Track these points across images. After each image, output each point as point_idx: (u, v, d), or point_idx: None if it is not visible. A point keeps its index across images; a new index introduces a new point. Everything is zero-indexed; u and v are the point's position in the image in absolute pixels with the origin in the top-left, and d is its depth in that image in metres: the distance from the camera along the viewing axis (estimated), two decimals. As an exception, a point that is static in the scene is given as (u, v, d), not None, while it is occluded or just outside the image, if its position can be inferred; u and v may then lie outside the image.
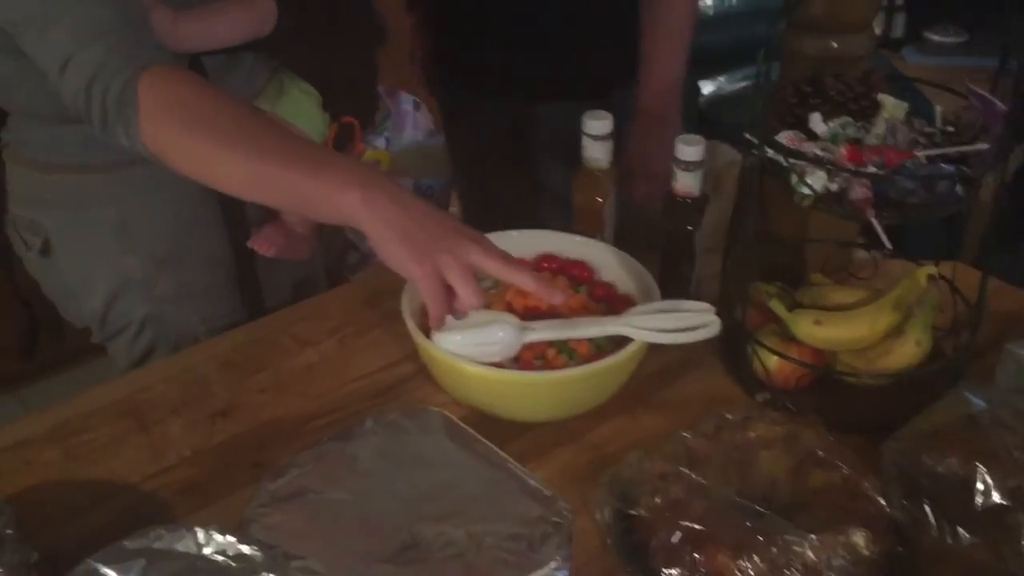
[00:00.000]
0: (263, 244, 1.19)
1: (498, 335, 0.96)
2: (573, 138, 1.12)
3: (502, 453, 0.88)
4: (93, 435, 0.97)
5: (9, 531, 0.76)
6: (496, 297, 1.05)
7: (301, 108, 1.18)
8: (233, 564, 0.74)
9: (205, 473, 0.94)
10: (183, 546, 0.75)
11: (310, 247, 1.26)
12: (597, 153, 1.12)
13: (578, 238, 1.12)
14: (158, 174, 0.98)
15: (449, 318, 0.97)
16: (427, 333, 0.97)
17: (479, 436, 0.90)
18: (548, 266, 1.10)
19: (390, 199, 0.85)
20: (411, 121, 2.57)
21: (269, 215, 1.21)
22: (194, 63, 1.08)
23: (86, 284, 1.18)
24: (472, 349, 0.94)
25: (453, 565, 0.77)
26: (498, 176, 1.65)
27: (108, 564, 0.73)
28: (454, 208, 2.11)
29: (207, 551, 0.75)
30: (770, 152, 0.94)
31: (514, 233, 1.12)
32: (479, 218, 1.66)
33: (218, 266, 1.21)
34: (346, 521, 0.81)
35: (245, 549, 0.75)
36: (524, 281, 0.88)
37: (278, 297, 1.27)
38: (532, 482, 0.85)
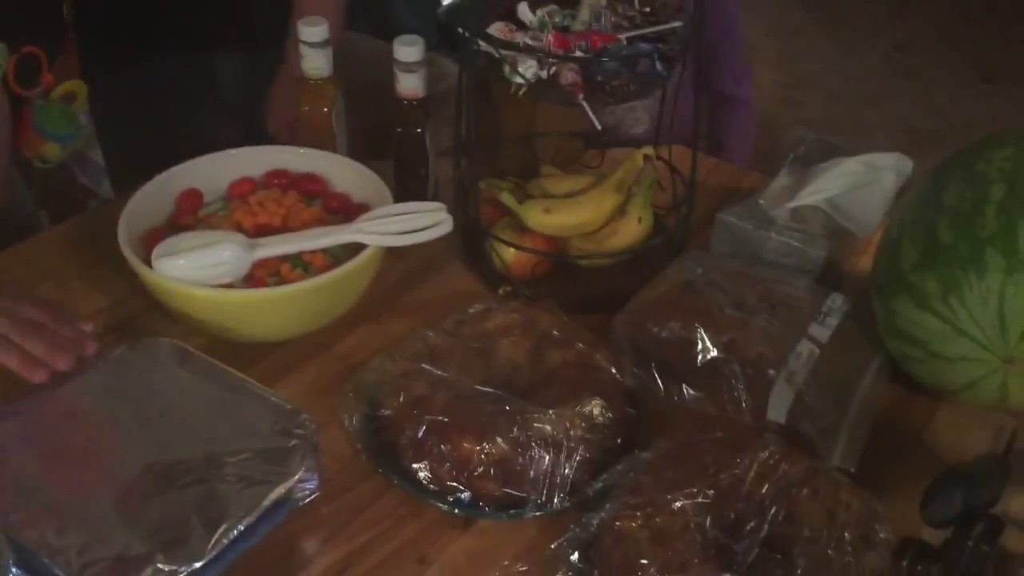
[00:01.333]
0: None
1: (224, 255, 0.92)
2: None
3: (238, 374, 0.85)
4: None
5: None
6: (223, 219, 1.01)
7: None
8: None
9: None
10: None
11: (3, 192, 1.15)
12: (317, 62, 1.08)
13: (306, 150, 1.09)
14: None
15: (170, 240, 0.93)
16: (149, 263, 0.91)
17: (213, 360, 0.86)
18: (278, 182, 1.06)
19: None
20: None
21: None
22: None
23: None
24: (199, 272, 0.90)
25: (193, 492, 0.75)
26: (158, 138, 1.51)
27: None
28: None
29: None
30: (482, 44, 0.95)
31: (242, 151, 1.07)
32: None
33: None
34: (69, 468, 0.77)
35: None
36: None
37: None
38: (273, 399, 0.83)
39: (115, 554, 0.70)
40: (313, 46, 1.07)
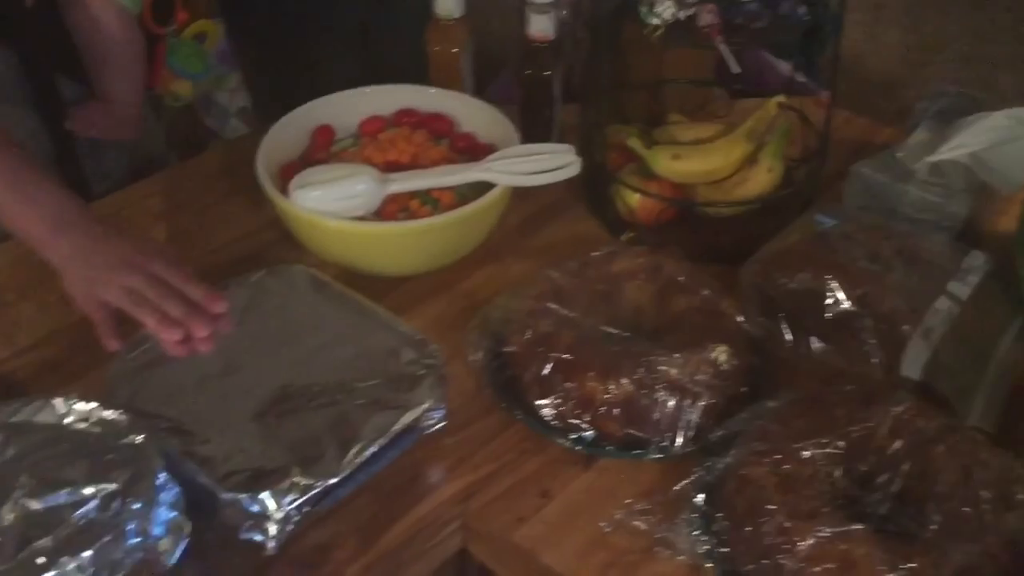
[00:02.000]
0: (81, 124, 1.12)
1: (358, 188, 0.94)
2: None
3: (370, 303, 0.88)
4: (-66, 322, 0.92)
5: None
6: (354, 154, 1.03)
7: None
8: (97, 430, 0.72)
9: (63, 352, 0.90)
10: (43, 417, 0.73)
11: (136, 128, 1.18)
12: (449, 3, 1.09)
13: (436, 90, 1.10)
14: None
15: (306, 172, 0.95)
16: (286, 193, 0.94)
17: (346, 289, 0.89)
18: (407, 120, 1.08)
19: (80, 234, 0.82)
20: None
21: (88, 92, 1.14)
22: None
23: None
24: (333, 204, 0.92)
25: (326, 413, 0.78)
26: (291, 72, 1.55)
27: (-38, 442, 0.70)
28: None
29: (69, 420, 0.73)
30: (622, -14, 0.93)
31: (373, 89, 1.09)
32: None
33: (34, 151, 1.12)
34: (213, 381, 0.80)
35: (108, 414, 0.73)
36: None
37: (108, 183, 1.21)
38: (402, 328, 0.85)
39: (255, 465, 0.73)
40: (448, -12, 1.07)
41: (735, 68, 0.89)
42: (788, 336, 0.88)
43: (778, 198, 1.03)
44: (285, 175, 0.99)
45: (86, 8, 1.06)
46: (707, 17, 0.89)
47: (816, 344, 0.87)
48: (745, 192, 1.01)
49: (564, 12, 1.06)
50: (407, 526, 0.78)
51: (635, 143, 1.02)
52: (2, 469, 0.69)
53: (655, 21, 0.91)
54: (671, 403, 0.80)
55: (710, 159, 1.01)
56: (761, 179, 1.01)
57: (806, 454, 0.72)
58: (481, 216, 0.96)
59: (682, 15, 0.90)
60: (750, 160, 1.02)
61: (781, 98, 1.03)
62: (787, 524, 0.68)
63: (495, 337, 0.89)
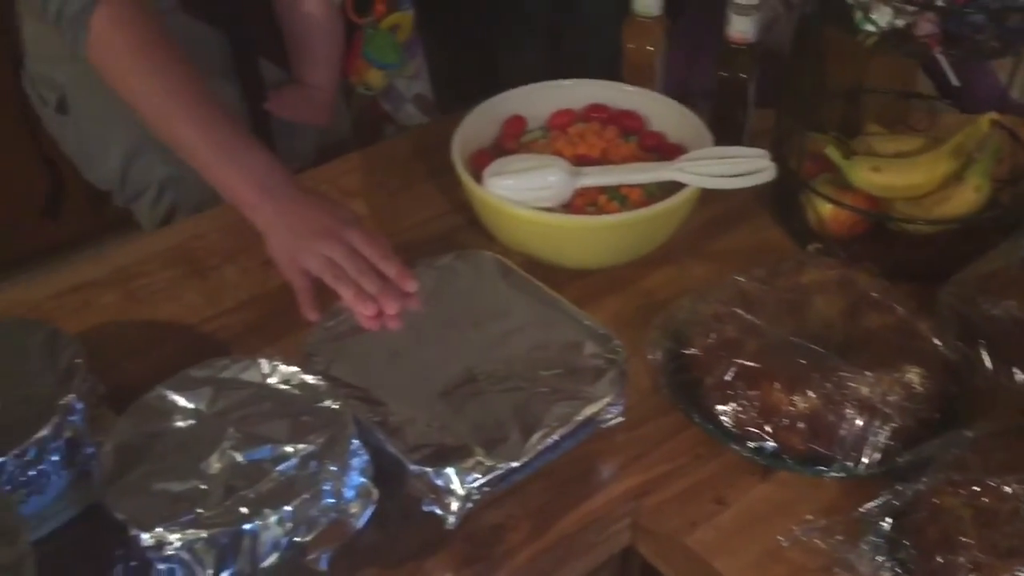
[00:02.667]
0: (279, 106, 1.16)
1: (550, 179, 0.95)
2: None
3: (555, 294, 0.89)
4: (151, 279, 0.99)
5: (78, 360, 0.77)
6: (544, 146, 1.04)
7: None
8: (297, 392, 0.76)
9: (262, 316, 0.95)
10: (248, 376, 0.77)
11: (330, 113, 1.22)
12: (648, 0, 1.08)
13: (628, 88, 1.10)
14: (172, 32, 0.98)
15: (500, 161, 0.97)
16: (477, 180, 0.96)
17: (531, 278, 0.90)
18: (598, 116, 1.08)
19: (285, 199, 0.87)
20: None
21: (287, 76, 1.19)
22: None
23: (103, 144, 1.17)
24: (524, 194, 0.94)
25: (510, 398, 0.79)
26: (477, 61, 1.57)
27: (177, 391, 0.75)
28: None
29: (272, 380, 0.77)
30: (834, -10, 0.91)
31: (565, 83, 1.10)
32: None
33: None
34: (403, 357, 0.83)
35: (309, 378, 0.77)
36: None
37: (297, 163, 1.25)
38: (586, 322, 0.86)
39: (440, 442, 0.75)
40: (649, -16, 1.07)
41: (955, 81, 0.86)
42: (988, 364, 0.84)
43: (983, 219, 0.98)
44: (475, 162, 1.02)
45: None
46: (926, 27, 0.86)
47: (1020, 376, 0.83)
48: (947, 210, 0.97)
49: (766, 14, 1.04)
50: (579, 517, 0.78)
51: (833, 152, 0.99)
52: (212, 420, 0.73)
53: (870, 28, 0.88)
54: (859, 422, 0.78)
55: (912, 174, 0.97)
56: (966, 198, 0.96)
57: (1007, 489, 0.69)
58: (669, 216, 0.95)
59: (899, 23, 0.87)
60: (955, 177, 0.97)
61: (994, 115, 0.98)
62: (983, 559, 0.65)
63: (676, 338, 0.89)
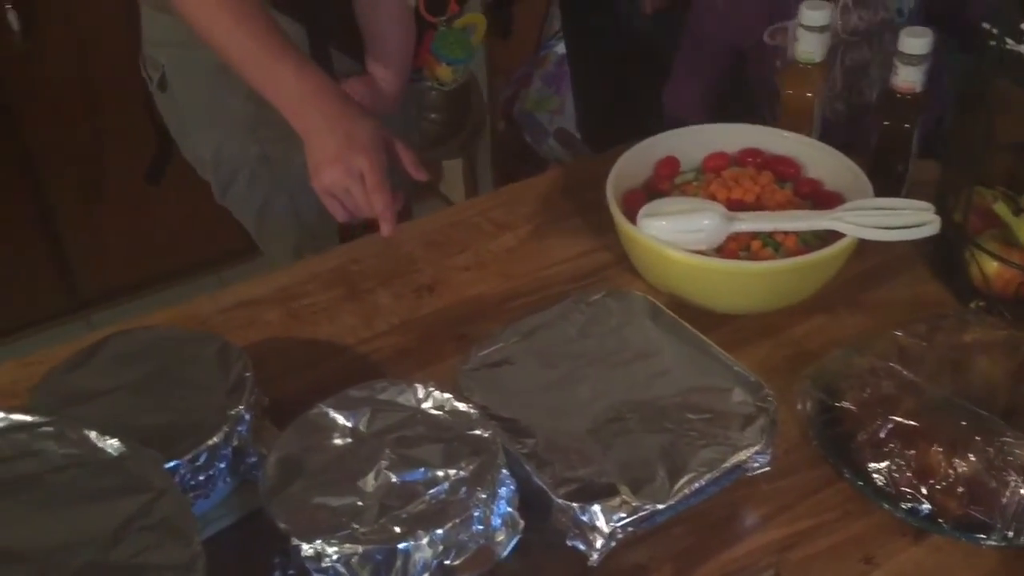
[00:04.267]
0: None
1: (703, 223, 0.95)
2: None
3: (704, 337, 0.88)
4: (311, 299, 1.03)
5: (248, 374, 0.82)
6: (697, 189, 1.04)
7: None
8: (449, 418, 0.78)
9: (413, 341, 0.98)
10: (404, 399, 0.80)
11: (395, 106, 1.26)
12: (812, 46, 1.08)
13: (784, 133, 1.09)
14: (253, 22, 1.10)
15: (656, 202, 0.98)
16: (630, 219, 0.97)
17: (681, 320, 0.90)
18: (752, 160, 1.08)
19: (316, 114, 0.99)
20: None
21: (356, 68, 1.22)
22: None
23: (198, 122, 1.24)
24: (677, 236, 0.94)
25: (657, 439, 0.79)
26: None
27: (337, 409, 0.79)
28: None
29: (426, 405, 0.79)
30: (1010, 43, 0.88)
31: (720, 126, 1.10)
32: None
33: None
34: (552, 391, 0.84)
35: (461, 406, 0.79)
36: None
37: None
38: (736, 368, 0.85)
39: (586, 478, 0.76)
40: (811, 30, 1.07)
41: None
42: None
43: None
44: (627, 201, 1.03)
45: None
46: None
47: None
48: (1125, 274, 0.92)
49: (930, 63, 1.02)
50: (721, 564, 0.78)
51: (1001, 209, 0.96)
52: (369, 440, 0.76)
53: (1050, 82, 0.85)
54: (1023, 491, 0.74)
55: (1087, 234, 0.93)
56: None
57: None
58: (825, 265, 0.94)
59: (1084, 78, 0.84)
60: None
61: None
62: None
63: (828, 390, 0.87)
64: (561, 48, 2.53)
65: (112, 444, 0.69)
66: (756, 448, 0.79)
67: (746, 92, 1.28)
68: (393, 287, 1.05)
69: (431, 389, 0.80)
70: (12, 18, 1.84)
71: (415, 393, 0.80)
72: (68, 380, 0.82)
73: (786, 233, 0.97)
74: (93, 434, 0.69)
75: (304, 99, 1.00)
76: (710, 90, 1.33)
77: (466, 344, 0.92)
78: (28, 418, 0.71)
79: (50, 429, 0.70)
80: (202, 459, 0.75)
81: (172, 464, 0.73)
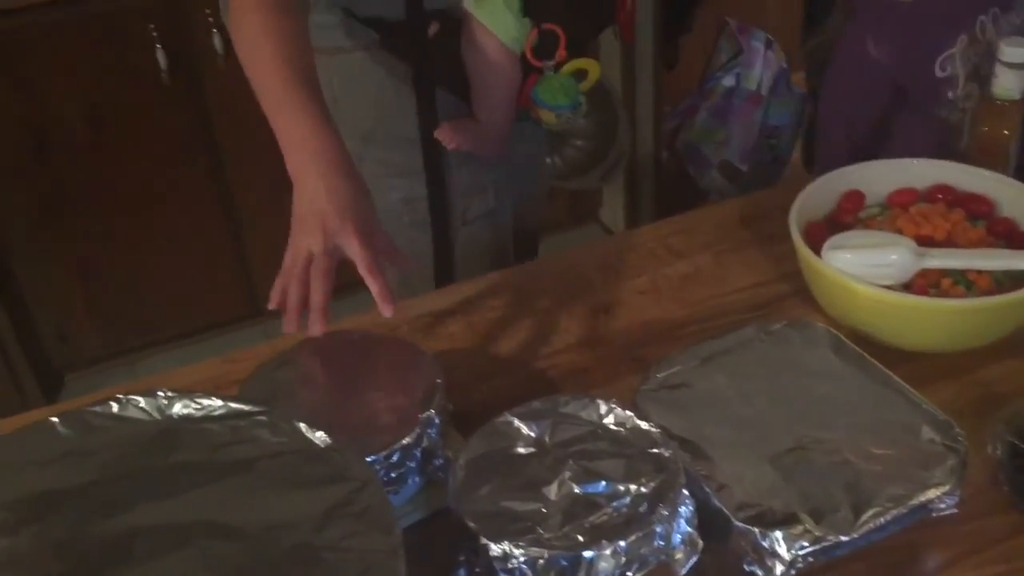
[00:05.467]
0: (445, 136, 1.21)
1: (892, 257, 0.94)
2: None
3: (891, 373, 0.87)
4: (492, 314, 1.07)
5: (439, 380, 0.86)
6: (883, 223, 1.03)
7: (495, 12, 1.15)
8: (630, 436, 0.80)
9: (590, 359, 1.01)
10: (587, 414, 0.82)
11: (499, 148, 1.26)
12: (1010, 83, 1.05)
13: (978, 170, 1.06)
14: (365, 62, 1.16)
15: (842, 235, 0.97)
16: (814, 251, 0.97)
17: (865, 353, 0.89)
18: (943, 197, 1.05)
19: (319, 175, 0.89)
20: (761, 59, 2.52)
21: (462, 109, 1.23)
22: None
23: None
24: (863, 269, 0.93)
25: (840, 471, 0.78)
26: None
27: (521, 419, 0.82)
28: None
29: (607, 421, 0.81)
30: None
31: (907, 162, 1.08)
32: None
33: (415, 149, 1.24)
34: (731, 416, 0.85)
35: (643, 424, 0.80)
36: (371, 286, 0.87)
37: (482, 194, 1.30)
38: (925, 405, 0.84)
39: (767, 504, 0.76)
40: (1011, 66, 1.04)
41: None
42: None
43: None
44: (809, 233, 1.02)
45: (475, 41, 1.16)
46: None
47: None
48: None
49: None
50: (902, 605, 0.76)
51: None
52: (552, 451, 0.79)
53: None
54: None
55: None
56: None
57: None
58: (1020, 306, 0.91)
59: None
60: None
61: None
62: None
63: (1020, 434, 0.84)
64: (728, 80, 2.53)
65: (319, 436, 0.74)
66: (945, 488, 0.77)
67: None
68: (570, 307, 1.08)
69: (613, 406, 0.82)
70: (217, 41, 1.99)
71: (597, 408, 0.82)
72: (274, 376, 0.89)
73: (979, 272, 0.94)
74: (303, 426, 0.75)
75: (306, 155, 0.91)
76: (861, 127, 1.31)
77: (642, 366, 0.94)
78: (245, 407, 0.77)
79: (263, 419, 0.76)
80: (395, 457, 0.80)
81: (370, 459, 0.78)
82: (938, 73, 1.20)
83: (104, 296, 2.20)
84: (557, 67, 1.20)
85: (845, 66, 1.32)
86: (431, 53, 1.18)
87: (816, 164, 1.51)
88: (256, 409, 0.77)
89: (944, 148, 1.19)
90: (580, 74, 1.22)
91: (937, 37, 1.19)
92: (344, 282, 0.90)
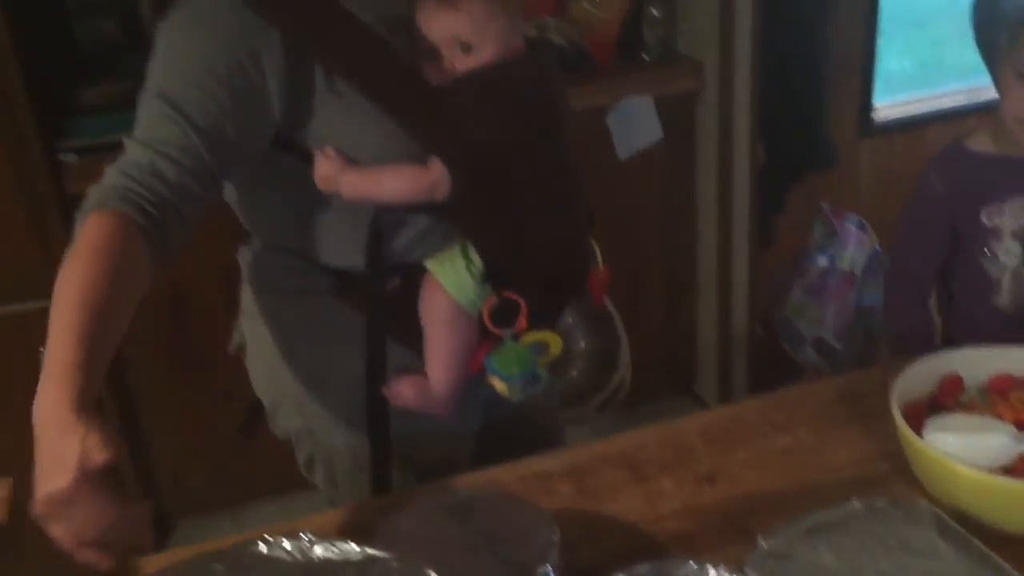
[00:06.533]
0: (392, 393, 1.20)
1: (992, 442, 0.97)
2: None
3: (994, 555, 0.89)
4: (599, 477, 1.13)
5: (555, 537, 0.92)
6: (982, 407, 1.06)
7: (454, 274, 1.12)
8: (740, 603, 0.83)
9: (694, 526, 1.05)
10: (696, 577, 0.86)
11: (445, 409, 1.20)
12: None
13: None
14: (316, 306, 1.17)
15: (945, 418, 1.01)
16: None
17: (972, 537, 0.91)
18: (1002, 385, 1.09)
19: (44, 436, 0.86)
20: (854, 241, 2.60)
21: (415, 363, 1.19)
22: (375, 218, 1.14)
23: (261, 388, 1.31)
24: (964, 451, 0.97)
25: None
26: None
27: (633, 578, 0.86)
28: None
29: (718, 586, 0.85)
30: None
31: (1006, 348, 1.13)
32: None
33: (360, 398, 1.22)
34: (836, 590, 0.87)
35: (748, 593, 0.84)
36: None
37: (413, 450, 1.26)
38: (1033, 590, 0.85)
39: None
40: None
41: None
42: None
43: None
44: (909, 414, 1.06)
45: (431, 298, 1.14)
46: None
47: None
48: None
49: None
50: None
51: None
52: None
53: None
54: None
55: None
56: None
57: None
58: None
59: None
60: None
61: None
62: None
63: None
64: (823, 261, 2.60)
65: (447, 584, 0.80)
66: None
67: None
68: (675, 474, 1.13)
69: (723, 571, 0.86)
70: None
71: (705, 572, 0.86)
72: (400, 525, 0.96)
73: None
74: (432, 574, 0.81)
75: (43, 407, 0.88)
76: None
77: (745, 535, 0.98)
78: (379, 554, 0.84)
79: (396, 565, 0.83)
80: (512, 610, 0.85)
81: (491, 609, 0.83)
82: (985, 222, 1.24)
83: (215, 447, 2.31)
84: (516, 336, 1.14)
85: (914, 200, 1.39)
86: (389, 307, 1.19)
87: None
88: (389, 556, 0.83)
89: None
90: (541, 347, 1.16)
91: (989, 183, 1.23)
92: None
